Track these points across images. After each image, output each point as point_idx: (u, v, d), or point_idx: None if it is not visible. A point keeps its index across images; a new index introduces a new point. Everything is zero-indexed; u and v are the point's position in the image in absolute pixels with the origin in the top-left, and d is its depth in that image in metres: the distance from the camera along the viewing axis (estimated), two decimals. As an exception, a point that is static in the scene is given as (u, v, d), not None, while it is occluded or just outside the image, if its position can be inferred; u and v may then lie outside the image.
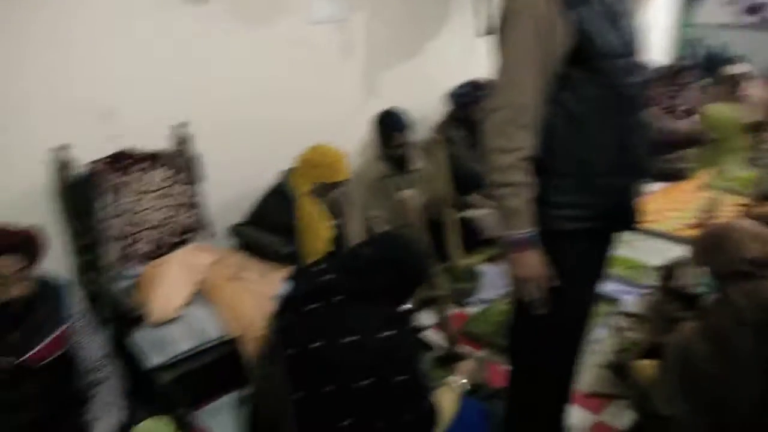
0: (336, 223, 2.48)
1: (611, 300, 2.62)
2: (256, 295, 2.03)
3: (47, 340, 1.69)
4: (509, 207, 1.36)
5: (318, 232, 2.31)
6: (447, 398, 1.57)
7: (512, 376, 1.72)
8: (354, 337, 1.40)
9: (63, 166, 2.02)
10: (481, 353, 2.41)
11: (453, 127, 3.16)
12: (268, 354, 1.59)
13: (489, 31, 3.28)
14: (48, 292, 1.73)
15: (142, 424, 1.77)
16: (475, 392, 1.72)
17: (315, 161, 2.39)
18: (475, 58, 3.54)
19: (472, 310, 2.73)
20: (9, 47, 1.91)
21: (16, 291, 1.64)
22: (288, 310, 1.55)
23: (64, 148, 2.00)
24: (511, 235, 1.39)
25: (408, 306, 1.64)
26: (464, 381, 1.66)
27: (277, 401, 1.44)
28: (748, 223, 1.63)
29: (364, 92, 3.04)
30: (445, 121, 3.20)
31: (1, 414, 1.63)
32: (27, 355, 1.65)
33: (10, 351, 1.64)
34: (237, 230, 2.41)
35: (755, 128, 3.99)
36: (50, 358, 1.70)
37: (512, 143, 1.32)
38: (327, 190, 2.40)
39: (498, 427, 1.72)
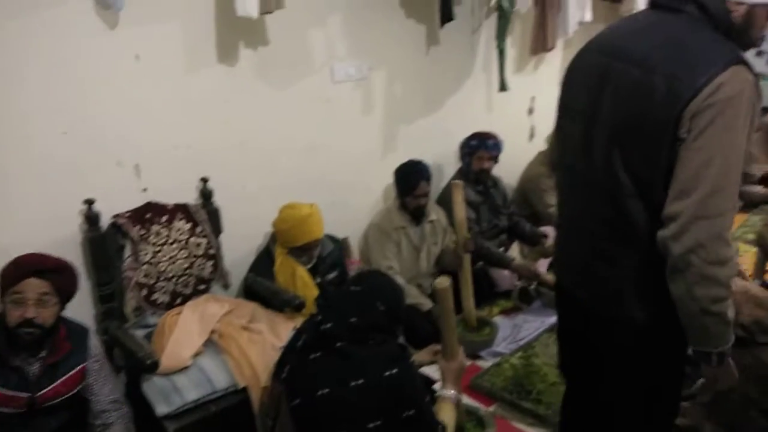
0: (322, 281, 2.54)
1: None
2: (264, 345, 2.09)
3: (64, 378, 1.77)
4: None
5: (298, 291, 2.38)
6: (446, 411, 1.64)
7: None
8: (360, 380, 1.47)
9: (90, 219, 2.14)
10: (490, 408, 2.40)
11: (465, 184, 3.21)
12: (273, 405, 1.65)
13: (503, 87, 3.38)
14: (71, 333, 1.82)
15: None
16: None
17: (279, 226, 2.48)
18: (493, 114, 3.65)
19: (484, 363, 2.73)
20: (50, 104, 2.05)
21: (39, 316, 1.68)
22: (291, 360, 1.61)
23: (91, 201, 2.13)
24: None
25: (402, 342, 1.71)
26: (454, 391, 1.71)
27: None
28: (750, 286, 1.61)
29: (383, 147, 3.14)
30: (457, 177, 3.27)
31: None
32: (43, 391, 1.73)
33: (27, 385, 1.72)
34: (249, 281, 2.49)
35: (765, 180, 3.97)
36: (65, 396, 1.78)
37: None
38: (302, 251, 2.47)
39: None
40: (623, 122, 1.28)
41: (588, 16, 3.60)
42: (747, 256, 3.34)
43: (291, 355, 1.63)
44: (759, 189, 4.08)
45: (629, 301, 1.36)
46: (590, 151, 1.36)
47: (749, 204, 4.02)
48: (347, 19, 2.80)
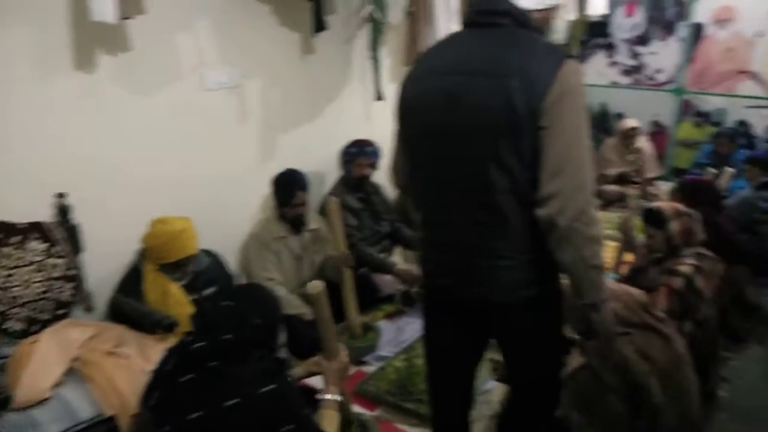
0: (198, 297, 2.45)
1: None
2: (133, 370, 1.97)
3: None
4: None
5: (171, 310, 2.29)
6: (329, 418, 1.63)
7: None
8: (234, 400, 1.41)
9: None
10: (375, 413, 2.42)
11: (346, 191, 3.24)
12: (141, 432, 1.56)
13: (380, 97, 3.45)
14: None
15: None
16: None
17: (150, 242, 2.38)
18: (372, 121, 3.70)
19: (369, 369, 2.75)
20: None
21: None
22: (161, 384, 1.52)
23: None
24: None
25: (283, 356, 1.69)
26: (337, 396, 1.71)
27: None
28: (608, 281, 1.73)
29: (261, 156, 3.08)
30: (339, 184, 3.28)
31: None
32: None
33: None
34: (115, 302, 2.34)
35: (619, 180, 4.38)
36: None
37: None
38: (175, 267, 2.38)
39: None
40: (489, 129, 1.40)
41: (455, 28, 3.75)
42: (606, 251, 3.61)
43: (160, 379, 1.54)
44: (614, 188, 4.45)
45: (519, 285, 1.52)
46: (458, 163, 1.47)
47: (606, 202, 4.37)
48: (217, 25, 2.72)
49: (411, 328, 3.08)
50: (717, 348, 2.72)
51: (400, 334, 3.04)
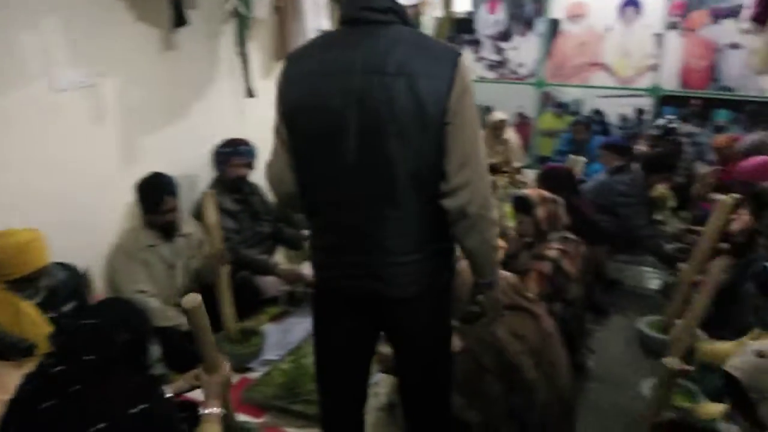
0: (57, 315, 2.24)
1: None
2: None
3: None
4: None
5: (26, 331, 2.09)
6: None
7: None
8: (102, 425, 1.32)
9: None
10: (262, 419, 2.36)
11: (222, 193, 3.13)
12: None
13: (250, 93, 3.36)
14: None
15: None
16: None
17: None
18: (245, 118, 3.59)
19: (255, 375, 2.67)
20: None
21: None
22: (19, 414, 1.39)
23: None
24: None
25: (160, 371, 1.61)
26: (218, 409, 1.66)
27: None
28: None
29: (125, 160, 2.87)
30: (214, 186, 3.16)
31: None
32: None
33: None
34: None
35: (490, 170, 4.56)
36: None
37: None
38: (26, 283, 2.17)
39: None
40: (395, 128, 1.40)
41: (325, 24, 3.74)
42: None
43: (18, 408, 1.41)
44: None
45: (424, 277, 1.56)
46: (361, 162, 1.45)
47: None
48: (67, 21, 2.49)
49: (298, 328, 3.05)
50: (584, 323, 2.93)
51: (287, 335, 2.99)
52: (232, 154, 3.15)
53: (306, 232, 3.52)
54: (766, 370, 1.51)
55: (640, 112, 5.38)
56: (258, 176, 3.27)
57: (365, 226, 1.51)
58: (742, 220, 3.35)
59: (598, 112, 5.55)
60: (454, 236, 1.55)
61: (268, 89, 3.63)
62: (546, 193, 2.82)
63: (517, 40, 5.70)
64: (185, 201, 2.99)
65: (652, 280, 3.83)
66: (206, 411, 1.65)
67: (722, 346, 2.24)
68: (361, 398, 1.81)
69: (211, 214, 2.56)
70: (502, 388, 1.88)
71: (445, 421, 1.78)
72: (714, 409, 2.01)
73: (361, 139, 1.44)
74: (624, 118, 5.46)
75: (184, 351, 2.42)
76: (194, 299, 1.61)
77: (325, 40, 1.58)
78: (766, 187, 2.89)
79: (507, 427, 1.91)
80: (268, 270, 3.17)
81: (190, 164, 3.21)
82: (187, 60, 3.14)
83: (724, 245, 3.28)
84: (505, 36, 5.74)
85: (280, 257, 3.48)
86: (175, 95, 3.13)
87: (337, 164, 1.48)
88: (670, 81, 5.19)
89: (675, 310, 2.90)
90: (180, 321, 2.63)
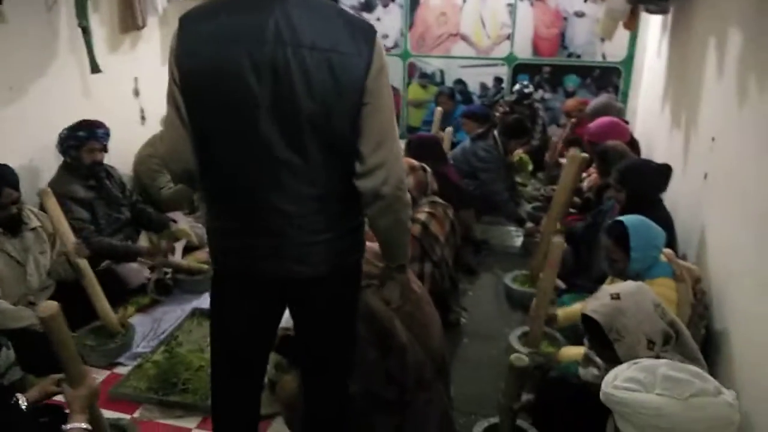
0: None
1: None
2: None
3: None
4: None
5: None
6: None
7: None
8: None
9: None
10: (135, 415, 2.25)
11: (72, 181, 2.89)
12: None
13: (95, 69, 3.12)
14: None
15: None
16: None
17: None
18: (93, 99, 3.33)
19: (124, 369, 2.52)
20: None
21: None
22: None
23: None
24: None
25: (16, 376, 1.47)
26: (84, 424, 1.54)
27: None
28: (371, 245, 1.76)
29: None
30: (61, 174, 2.92)
31: None
32: None
33: None
34: None
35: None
36: None
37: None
38: None
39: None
40: (311, 103, 1.33)
41: (179, -7, 3.54)
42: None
43: None
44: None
45: (337, 256, 1.53)
46: (274, 138, 1.36)
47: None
48: None
49: (169, 317, 2.93)
50: (456, 283, 3.07)
51: (158, 325, 2.86)
52: (89, 137, 2.92)
53: (179, 214, 3.37)
54: (621, 311, 1.63)
55: (499, 80, 5.65)
56: (110, 158, 3.07)
57: (280, 205, 1.43)
58: (592, 177, 3.67)
59: (460, 82, 5.76)
60: (367, 218, 1.54)
61: (115, 64, 3.42)
62: (415, 162, 2.89)
63: (379, 11, 5.74)
64: (29, 192, 2.72)
65: (516, 239, 4.08)
66: (69, 427, 1.51)
67: (573, 308, 2.45)
68: (260, 381, 1.76)
69: (54, 213, 2.36)
70: (377, 354, 1.92)
71: (345, 398, 1.77)
72: (574, 351, 2.18)
73: (274, 114, 1.34)
74: (484, 87, 5.71)
75: (43, 353, 2.22)
76: (50, 307, 1.48)
77: (227, 5, 1.38)
78: (610, 146, 3.14)
79: (386, 392, 1.95)
80: (132, 255, 3.00)
81: (30, 151, 2.95)
82: (20, 34, 2.85)
83: (577, 200, 3.58)
84: (367, 6, 5.75)
85: (143, 242, 3.29)
86: (8, 73, 2.82)
87: (248, 140, 1.37)
88: (524, 50, 5.49)
89: (537, 264, 3.12)
90: (33, 321, 2.41)
